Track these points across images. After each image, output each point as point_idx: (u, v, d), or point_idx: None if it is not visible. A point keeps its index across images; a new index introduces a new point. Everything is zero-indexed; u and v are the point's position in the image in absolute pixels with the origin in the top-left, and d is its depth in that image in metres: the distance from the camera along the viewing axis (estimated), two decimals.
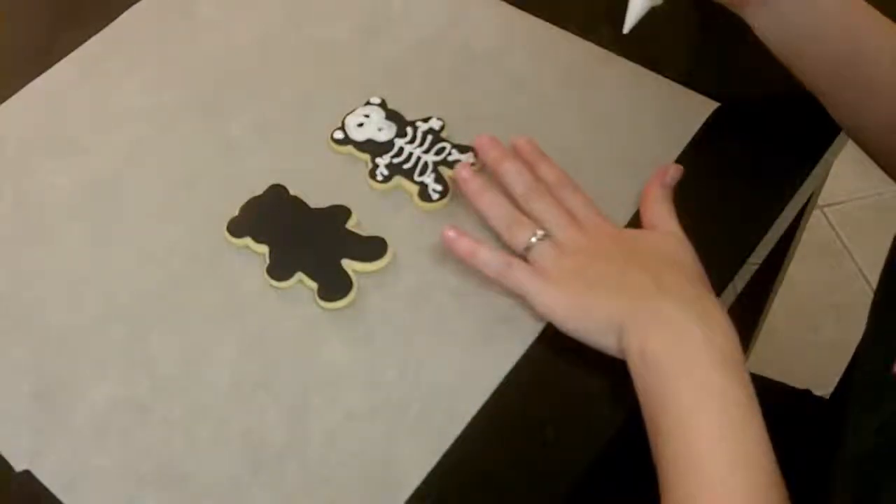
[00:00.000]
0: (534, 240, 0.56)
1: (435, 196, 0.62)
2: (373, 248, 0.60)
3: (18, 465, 0.53)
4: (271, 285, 0.59)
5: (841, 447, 0.47)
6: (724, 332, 0.50)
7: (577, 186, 0.60)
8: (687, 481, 0.46)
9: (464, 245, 0.57)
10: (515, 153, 0.61)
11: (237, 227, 0.62)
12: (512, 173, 0.60)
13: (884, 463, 0.42)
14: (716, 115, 0.65)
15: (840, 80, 0.57)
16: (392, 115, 0.67)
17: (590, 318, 0.53)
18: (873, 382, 0.46)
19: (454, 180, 0.61)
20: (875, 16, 0.56)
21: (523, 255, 0.57)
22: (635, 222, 0.60)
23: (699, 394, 0.48)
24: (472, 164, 0.62)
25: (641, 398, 0.50)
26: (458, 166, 0.61)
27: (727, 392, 0.48)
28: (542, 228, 0.57)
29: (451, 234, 0.57)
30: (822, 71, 0.58)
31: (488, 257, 0.56)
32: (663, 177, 0.60)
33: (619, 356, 0.52)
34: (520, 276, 0.55)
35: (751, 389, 0.48)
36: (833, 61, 0.57)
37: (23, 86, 0.71)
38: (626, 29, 0.56)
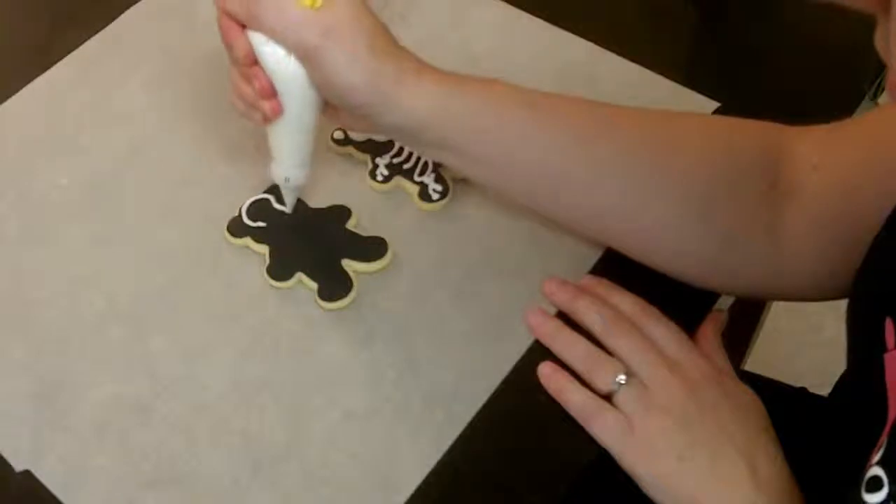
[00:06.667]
0: (618, 382, 0.52)
1: (435, 196, 0.62)
2: (373, 248, 0.60)
3: (18, 465, 0.53)
4: (271, 285, 0.59)
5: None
6: None
7: (660, 315, 0.55)
8: None
9: (553, 384, 0.54)
10: (588, 290, 0.57)
11: (237, 227, 0.62)
12: (587, 311, 0.55)
13: None
14: (716, 114, 0.65)
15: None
16: None
17: (671, 493, 0.50)
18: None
19: (529, 328, 0.57)
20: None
21: (609, 398, 0.52)
22: None
23: None
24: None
25: None
26: (527, 313, 0.57)
27: None
28: (627, 368, 0.52)
29: (546, 370, 0.54)
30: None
31: (574, 399, 0.53)
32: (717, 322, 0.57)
33: None
34: (603, 430, 0.51)
35: None
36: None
37: (23, 86, 0.72)
38: (289, 209, 0.61)
